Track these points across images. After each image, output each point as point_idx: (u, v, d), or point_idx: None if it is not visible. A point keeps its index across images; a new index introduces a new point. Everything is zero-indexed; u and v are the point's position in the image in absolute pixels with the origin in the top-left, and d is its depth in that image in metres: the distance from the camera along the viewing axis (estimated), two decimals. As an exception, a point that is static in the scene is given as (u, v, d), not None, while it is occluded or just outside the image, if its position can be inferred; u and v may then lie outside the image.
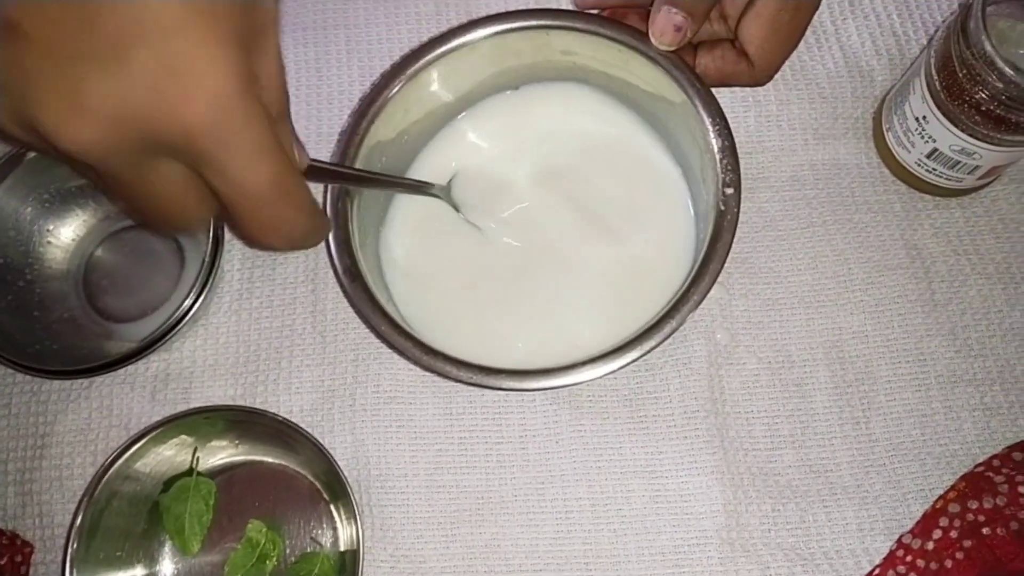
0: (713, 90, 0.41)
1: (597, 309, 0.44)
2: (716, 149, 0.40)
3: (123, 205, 0.28)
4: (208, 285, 0.46)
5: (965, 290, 0.47)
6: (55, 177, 0.49)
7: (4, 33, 0.23)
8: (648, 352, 0.38)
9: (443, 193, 0.45)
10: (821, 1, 0.40)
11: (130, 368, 0.48)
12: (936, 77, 0.42)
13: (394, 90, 0.43)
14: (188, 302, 0.46)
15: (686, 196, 0.45)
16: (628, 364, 0.38)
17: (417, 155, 0.48)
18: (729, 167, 0.40)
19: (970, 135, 0.42)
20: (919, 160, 0.46)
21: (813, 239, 0.48)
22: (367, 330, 0.48)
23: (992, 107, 0.40)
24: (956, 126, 0.42)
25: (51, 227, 0.50)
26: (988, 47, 0.38)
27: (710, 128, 0.41)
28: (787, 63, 0.41)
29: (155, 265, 0.51)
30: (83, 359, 0.48)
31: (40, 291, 0.49)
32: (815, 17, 0.41)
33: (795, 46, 0.41)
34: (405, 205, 0.47)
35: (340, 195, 0.41)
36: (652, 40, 0.40)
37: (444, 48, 0.43)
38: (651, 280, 0.43)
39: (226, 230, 0.48)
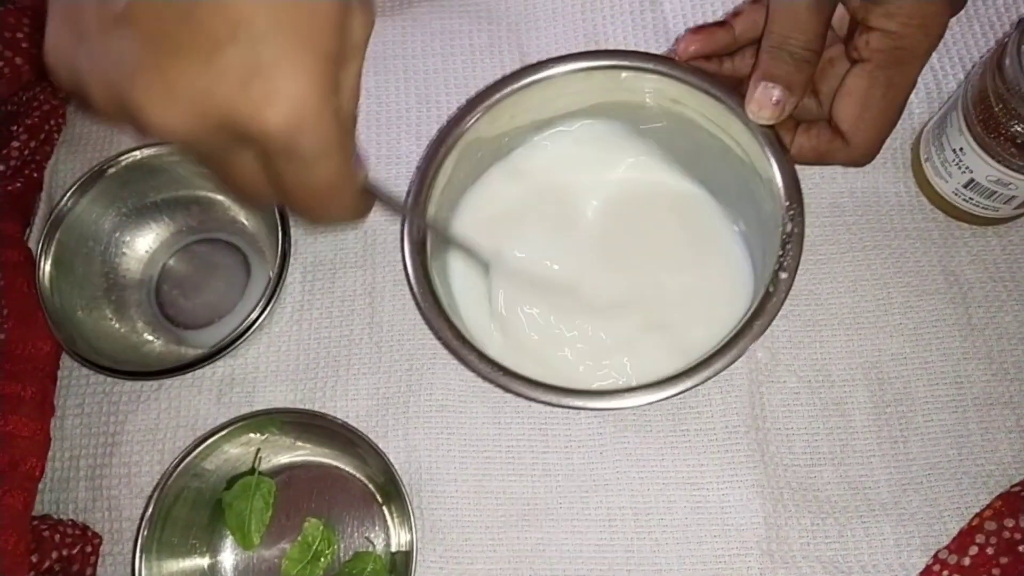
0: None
1: (654, 338, 0.45)
2: (785, 232, 0.41)
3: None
4: (274, 297, 0.49)
5: (1001, 315, 0.48)
6: (133, 192, 0.53)
7: (115, 21, 0.26)
8: (701, 383, 0.40)
9: (483, 269, 0.46)
10: (916, 79, 0.39)
11: (197, 372, 0.51)
12: (973, 111, 0.44)
13: (501, 99, 0.45)
14: (255, 313, 0.48)
15: (747, 266, 0.46)
16: (686, 391, 0.40)
17: (502, 158, 0.49)
18: (791, 252, 0.41)
19: (1006, 166, 0.44)
20: (956, 190, 0.48)
21: (853, 263, 0.49)
22: (421, 341, 0.50)
23: (1027, 140, 0.42)
24: (992, 158, 0.44)
25: (127, 239, 0.53)
26: (1023, 83, 0.40)
27: (786, 212, 0.41)
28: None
29: (223, 276, 0.54)
30: (153, 363, 0.51)
31: (116, 298, 0.53)
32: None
33: (892, 124, 0.40)
34: (473, 214, 0.49)
35: (416, 210, 0.44)
36: (749, 115, 0.41)
37: (541, 75, 0.45)
38: (706, 322, 0.45)
39: (292, 246, 0.51)
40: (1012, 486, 0.44)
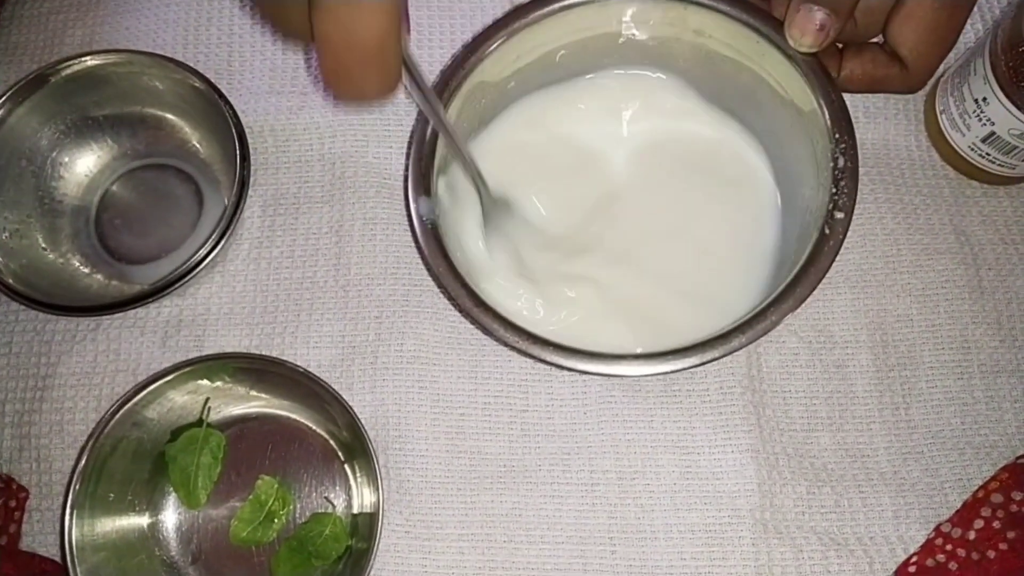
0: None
1: (662, 304, 0.42)
2: (837, 168, 0.38)
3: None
4: (229, 230, 0.44)
5: (1012, 279, 0.45)
6: (74, 106, 0.47)
7: None
8: (710, 362, 0.37)
9: (489, 202, 0.42)
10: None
11: (140, 311, 0.46)
12: (1003, 57, 0.41)
13: (508, 36, 0.41)
14: (207, 247, 0.43)
15: (777, 210, 0.43)
16: (689, 368, 0.37)
17: (510, 105, 0.45)
18: (846, 190, 0.37)
19: (1032, 118, 0.41)
20: (973, 144, 0.45)
21: (862, 216, 0.46)
22: (392, 286, 0.46)
23: (1062, 90, 0.39)
24: (1020, 108, 0.41)
25: (66, 159, 0.48)
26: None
27: (836, 146, 0.38)
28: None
29: (172, 207, 0.48)
30: (91, 299, 0.45)
31: (49, 225, 0.47)
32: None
33: (952, 46, 0.38)
34: (493, 144, 0.45)
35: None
36: (791, 42, 0.38)
37: (547, 9, 0.41)
38: (718, 286, 0.42)
39: (251, 175, 0.46)
40: (1017, 457, 0.42)
